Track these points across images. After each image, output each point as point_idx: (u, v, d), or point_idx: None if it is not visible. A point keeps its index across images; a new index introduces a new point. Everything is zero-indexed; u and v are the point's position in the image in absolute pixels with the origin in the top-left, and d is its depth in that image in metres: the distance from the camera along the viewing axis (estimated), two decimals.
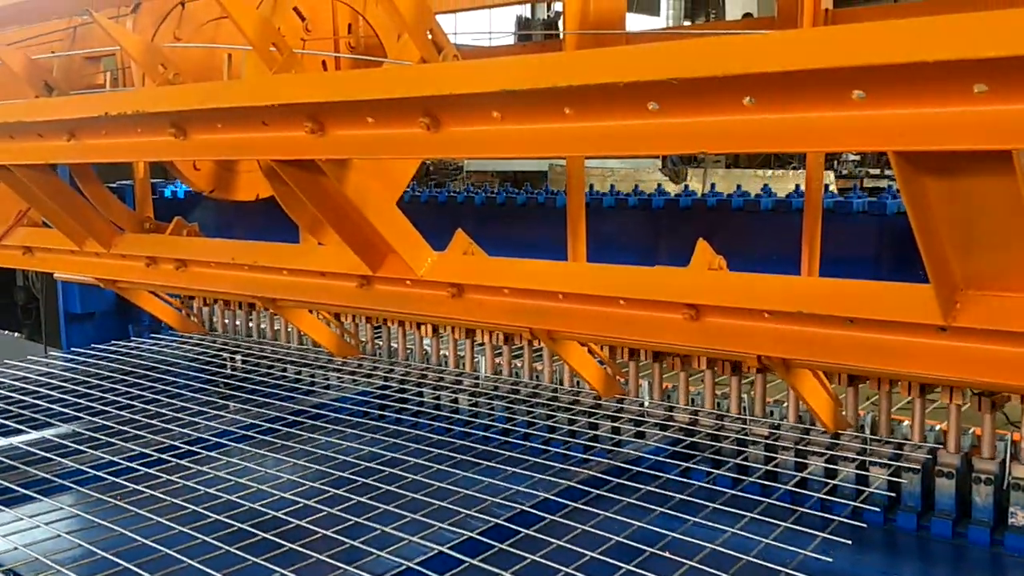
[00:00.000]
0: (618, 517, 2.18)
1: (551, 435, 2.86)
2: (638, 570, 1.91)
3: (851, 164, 17.17)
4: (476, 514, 2.24)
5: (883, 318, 1.69)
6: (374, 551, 2.05)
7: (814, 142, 1.42)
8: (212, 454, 2.77)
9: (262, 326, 4.14)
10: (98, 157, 2.54)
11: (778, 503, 2.25)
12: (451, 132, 1.79)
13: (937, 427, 2.48)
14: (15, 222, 3.40)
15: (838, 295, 1.76)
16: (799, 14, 2.32)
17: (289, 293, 2.71)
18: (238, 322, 4.23)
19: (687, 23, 23.14)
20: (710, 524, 2.14)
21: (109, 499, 2.43)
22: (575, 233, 2.58)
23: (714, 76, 1.37)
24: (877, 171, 15.41)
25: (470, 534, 2.13)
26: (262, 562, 2.01)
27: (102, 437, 2.93)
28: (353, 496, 2.37)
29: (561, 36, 3.14)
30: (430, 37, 1.99)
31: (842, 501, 2.31)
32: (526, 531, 2.15)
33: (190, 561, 2.02)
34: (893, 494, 2.36)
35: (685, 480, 2.42)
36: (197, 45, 2.65)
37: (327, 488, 2.44)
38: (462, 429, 2.96)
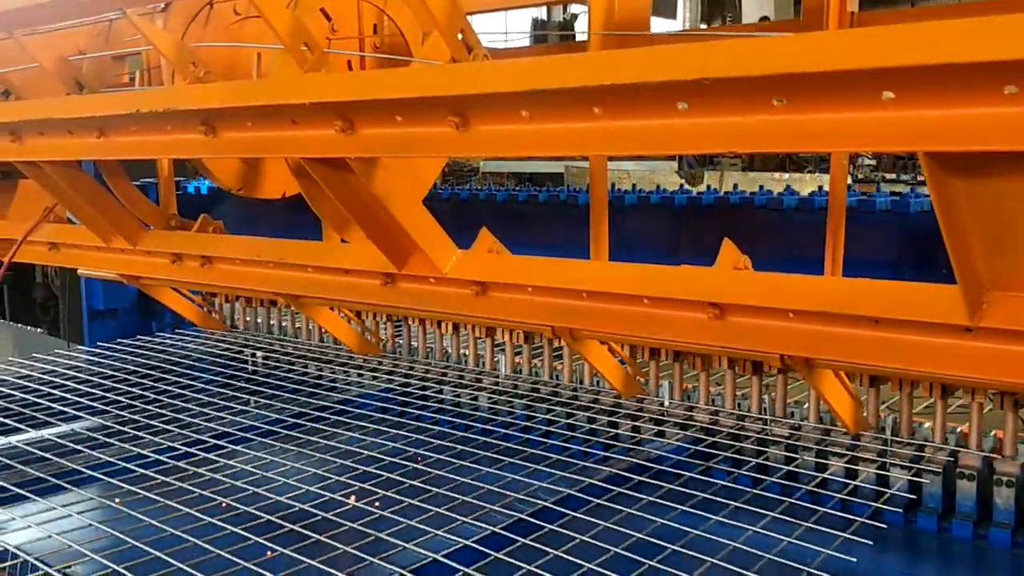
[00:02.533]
0: (640, 514, 2.20)
1: (572, 433, 2.87)
2: (661, 566, 1.93)
3: (867, 168, 17.13)
4: (500, 509, 2.26)
5: (909, 318, 1.70)
6: (400, 543, 2.07)
7: (843, 142, 1.44)
8: (238, 448, 2.80)
9: (283, 323, 4.17)
10: (128, 154, 2.57)
11: (799, 503, 2.26)
12: (480, 131, 1.81)
13: (958, 429, 2.48)
14: (41, 218, 3.45)
15: (864, 295, 1.78)
16: (825, 16, 2.34)
17: (313, 290, 2.75)
18: (259, 319, 4.26)
19: (703, 26, 23.13)
20: (731, 523, 2.15)
21: (139, 490, 2.45)
22: (598, 232, 2.59)
23: (744, 76, 1.39)
24: (893, 175, 15.38)
25: (494, 528, 2.14)
26: (290, 552, 2.03)
27: (129, 431, 2.96)
28: (378, 490, 2.40)
29: (576, 38, 3.15)
30: (460, 37, 2.02)
31: (863, 502, 2.32)
32: (549, 526, 2.17)
33: (218, 551, 2.04)
34: (914, 496, 2.36)
35: (707, 479, 2.43)
36: (228, 44, 2.68)
37: (352, 482, 2.46)
38: (483, 427, 2.98)
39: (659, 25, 21.70)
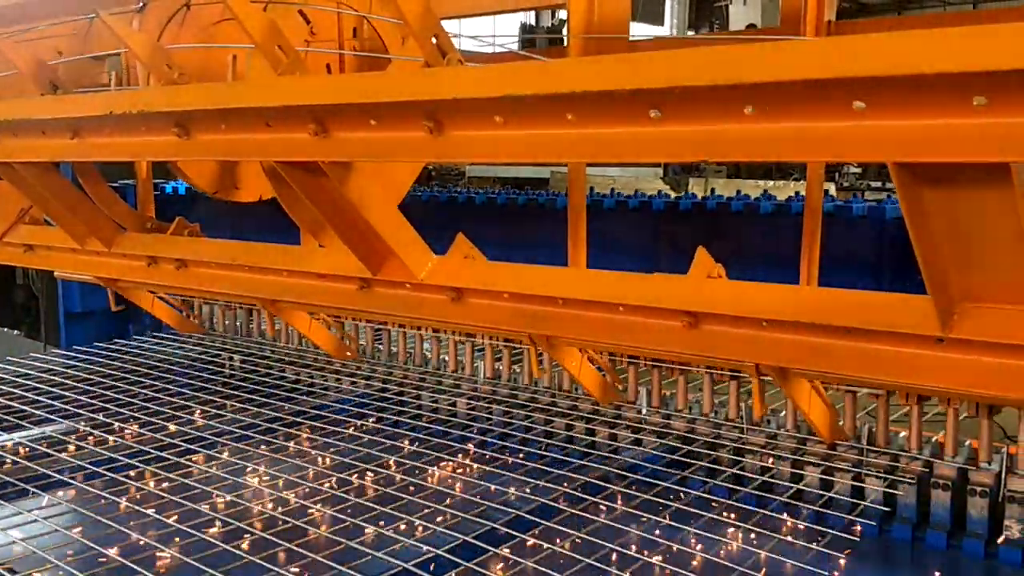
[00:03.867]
0: (614, 524, 2.19)
1: (549, 440, 2.86)
2: None
3: (852, 176, 17.20)
4: (472, 518, 2.24)
5: (881, 328, 1.69)
6: (370, 551, 2.05)
7: (814, 152, 1.42)
8: (211, 453, 2.77)
9: (262, 327, 4.14)
10: (102, 156, 2.55)
11: (774, 514, 2.25)
12: (453, 136, 1.79)
13: (934, 438, 2.48)
14: (17, 220, 3.41)
15: (836, 305, 1.77)
16: (802, 25, 2.33)
17: (289, 295, 2.72)
18: (238, 322, 4.23)
19: (690, 32, 23.18)
20: (706, 534, 2.14)
21: (108, 495, 2.43)
22: (576, 238, 2.58)
23: (715, 85, 1.38)
24: (878, 183, 15.43)
25: (465, 537, 2.13)
26: (258, 560, 2.01)
27: (101, 434, 2.94)
28: (350, 497, 2.38)
29: (564, 43, 3.15)
30: (435, 42, 2.00)
31: (837, 514, 2.31)
32: (521, 535, 2.15)
33: (185, 558, 2.03)
34: (888, 509, 2.35)
35: (683, 488, 2.42)
36: (203, 45, 2.66)
37: (324, 489, 2.45)
38: (460, 433, 2.96)
39: (646, 31, 21.74)
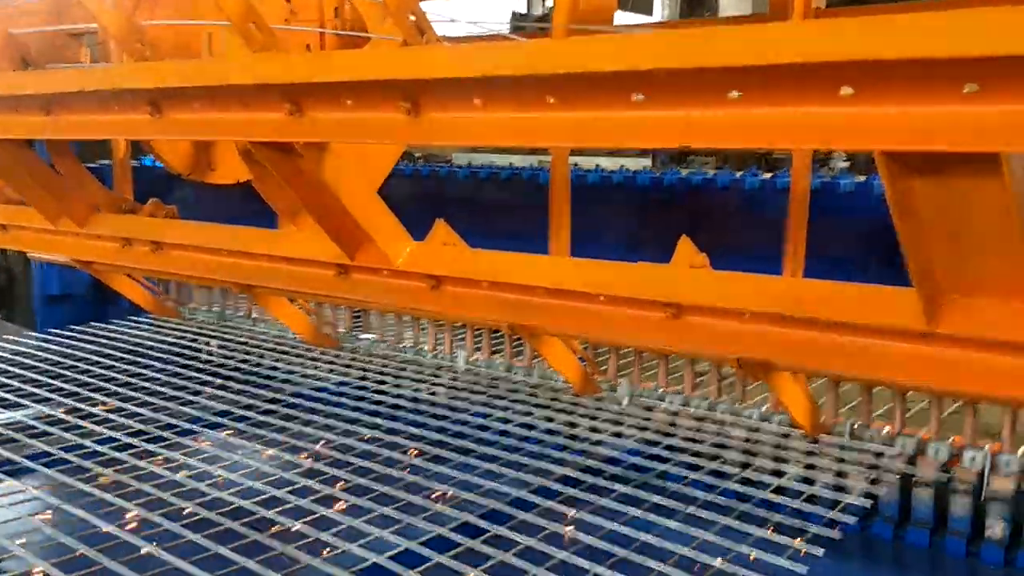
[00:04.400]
0: (591, 518, 2.14)
1: (528, 432, 2.81)
2: (610, 571, 1.87)
3: (842, 169, 17.21)
4: (447, 510, 2.20)
5: (866, 322, 1.66)
6: (342, 544, 2.00)
7: (800, 139, 1.38)
8: (183, 440, 2.72)
9: (239, 312, 4.08)
10: (74, 134, 2.49)
11: (755, 510, 2.21)
12: (431, 118, 1.75)
13: (917, 435, 2.45)
14: None
15: (821, 297, 1.73)
16: (790, 12, 2.29)
17: (266, 279, 2.68)
18: (215, 307, 4.17)
19: None
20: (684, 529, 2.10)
21: (77, 483, 2.37)
22: (558, 225, 2.54)
23: (699, 67, 1.34)
24: (863, 178, 15.44)
25: (440, 530, 2.08)
26: (226, 552, 1.95)
27: (72, 419, 2.87)
28: (323, 488, 2.33)
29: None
30: (413, 20, 1.95)
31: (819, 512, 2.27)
32: (497, 528, 2.11)
33: (151, 549, 1.97)
34: (870, 504, 2.32)
35: (662, 483, 2.38)
36: (176, 22, 2.60)
37: (297, 479, 2.40)
38: (438, 423, 2.91)
39: (635, 20, 21.65)
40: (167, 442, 2.70)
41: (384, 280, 2.37)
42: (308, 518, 2.14)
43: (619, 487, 2.29)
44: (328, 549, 1.99)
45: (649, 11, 23.62)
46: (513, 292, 2.19)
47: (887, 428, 2.45)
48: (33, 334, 4.15)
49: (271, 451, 2.63)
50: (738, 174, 3.58)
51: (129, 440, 2.69)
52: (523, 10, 18.43)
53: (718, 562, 1.89)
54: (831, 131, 1.32)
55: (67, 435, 2.73)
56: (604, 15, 2.52)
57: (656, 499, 2.20)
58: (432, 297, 2.29)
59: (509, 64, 1.56)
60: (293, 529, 2.09)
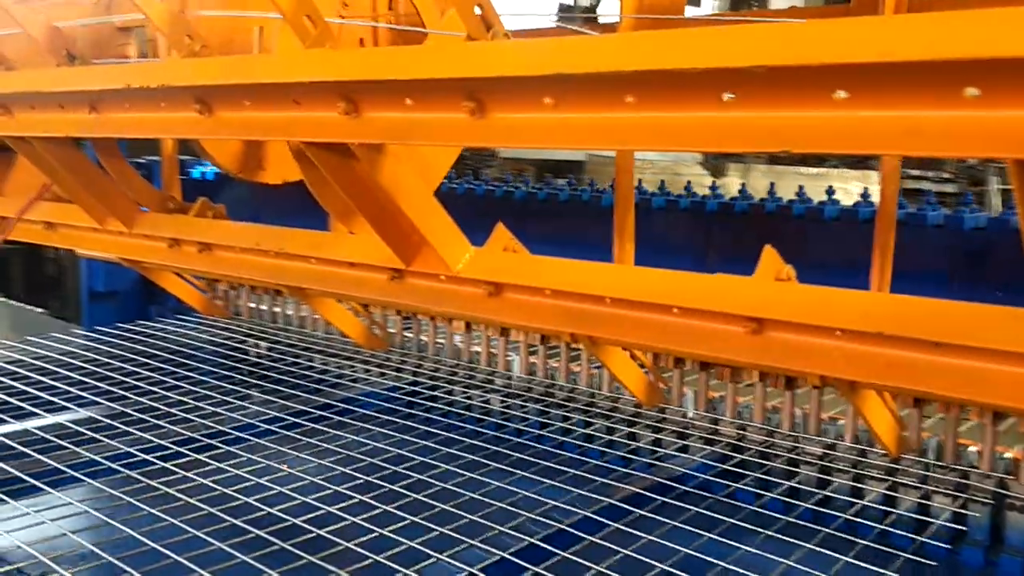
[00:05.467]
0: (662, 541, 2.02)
1: (588, 444, 2.69)
2: None
3: None
4: (509, 531, 2.08)
5: (975, 343, 1.50)
6: (400, 568, 1.89)
7: (914, 146, 1.24)
8: (232, 449, 2.63)
9: (288, 312, 4.00)
10: (121, 132, 2.41)
11: (836, 532, 2.07)
12: (497, 119, 1.63)
13: (1008, 454, 2.29)
14: (37, 196, 3.29)
15: (924, 315, 1.58)
16: (880, 4, 2.13)
17: (316, 283, 2.58)
18: (264, 306, 4.09)
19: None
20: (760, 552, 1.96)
21: (121, 495, 2.29)
22: (622, 233, 2.40)
23: (806, 65, 1.20)
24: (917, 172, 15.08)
25: (503, 554, 1.96)
26: (277, 575, 1.86)
27: (119, 425, 2.79)
28: (379, 504, 2.22)
29: (601, 21, 2.96)
30: (478, 13, 1.83)
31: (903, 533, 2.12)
32: (562, 553, 1.99)
33: (201, 571, 1.88)
34: (959, 526, 2.17)
35: (733, 502, 2.24)
36: (226, 13, 2.49)
37: (351, 493, 2.29)
38: (494, 434, 2.79)
39: (685, 12, 21.36)
40: (216, 451, 2.61)
41: (441, 286, 2.25)
42: (364, 537, 2.04)
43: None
44: (385, 573, 1.88)
45: (698, 3, 23.31)
46: (578, 301, 2.06)
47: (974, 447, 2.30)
48: (79, 332, 4.10)
49: (324, 461, 2.53)
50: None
51: (177, 448, 2.61)
52: (570, 1, 18.25)
53: None
54: (953, 137, 1.18)
55: (113, 442, 2.65)
56: (674, 7, 2.37)
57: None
58: (491, 304, 2.17)
59: (586, 60, 1.43)
60: (348, 550, 1.99)
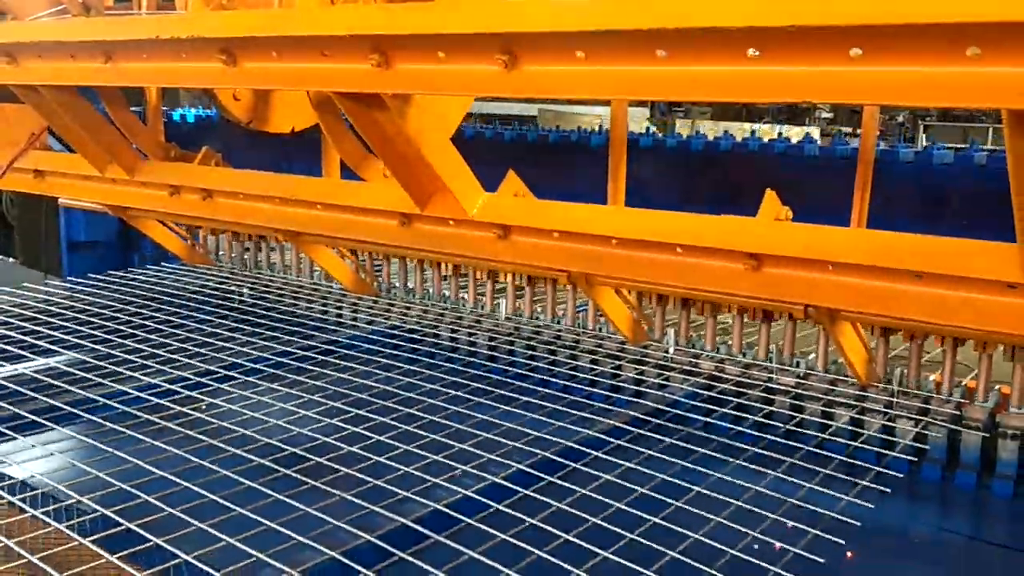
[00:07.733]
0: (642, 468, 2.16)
1: (572, 381, 2.85)
2: (664, 523, 1.87)
3: (823, 121, 17.36)
4: (497, 458, 2.21)
5: (957, 274, 1.71)
6: (400, 491, 2.00)
7: (924, 97, 1.41)
8: (223, 387, 2.72)
9: (272, 258, 4.09)
10: (136, 81, 2.47)
11: (807, 454, 2.25)
12: (529, 71, 1.74)
13: (963, 382, 2.52)
14: (27, 145, 3.32)
15: (908, 249, 1.78)
16: None
17: (323, 228, 2.67)
18: (246, 254, 4.17)
19: None
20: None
21: (123, 429, 2.36)
22: (615, 177, 2.57)
23: (833, 25, 1.36)
24: (849, 129, 15.52)
25: (493, 478, 2.09)
26: (285, 499, 1.93)
27: (109, 366, 2.85)
28: (372, 434, 2.33)
29: None
30: None
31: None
32: (549, 478, 2.12)
33: (212, 496, 1.94)
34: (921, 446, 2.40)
35: (708, 433, 2.39)
36: None
37: (344, 425, 2.40)
38: (477, 372, 2.90)
39: None
40: (208, 388, 2.71)
41: (450, 231, 2.38)
42: (361, 464, 2.14)
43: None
44: (386, 496, 1.98)
45: None
46: (585, 242, 2.21)
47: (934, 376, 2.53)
48: (59, 282, 4.14)
49: (315, 397, 2.63)
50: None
51: (169, 386, 2.69)
52: None
53: None
54: (956, 90, 1.35)
55: (106, 382, 2.71)
56: None
57: None
58: (501, 247, 2.31)
59: (622, 17, 1.56)
60: (349, 475, 2.08)
